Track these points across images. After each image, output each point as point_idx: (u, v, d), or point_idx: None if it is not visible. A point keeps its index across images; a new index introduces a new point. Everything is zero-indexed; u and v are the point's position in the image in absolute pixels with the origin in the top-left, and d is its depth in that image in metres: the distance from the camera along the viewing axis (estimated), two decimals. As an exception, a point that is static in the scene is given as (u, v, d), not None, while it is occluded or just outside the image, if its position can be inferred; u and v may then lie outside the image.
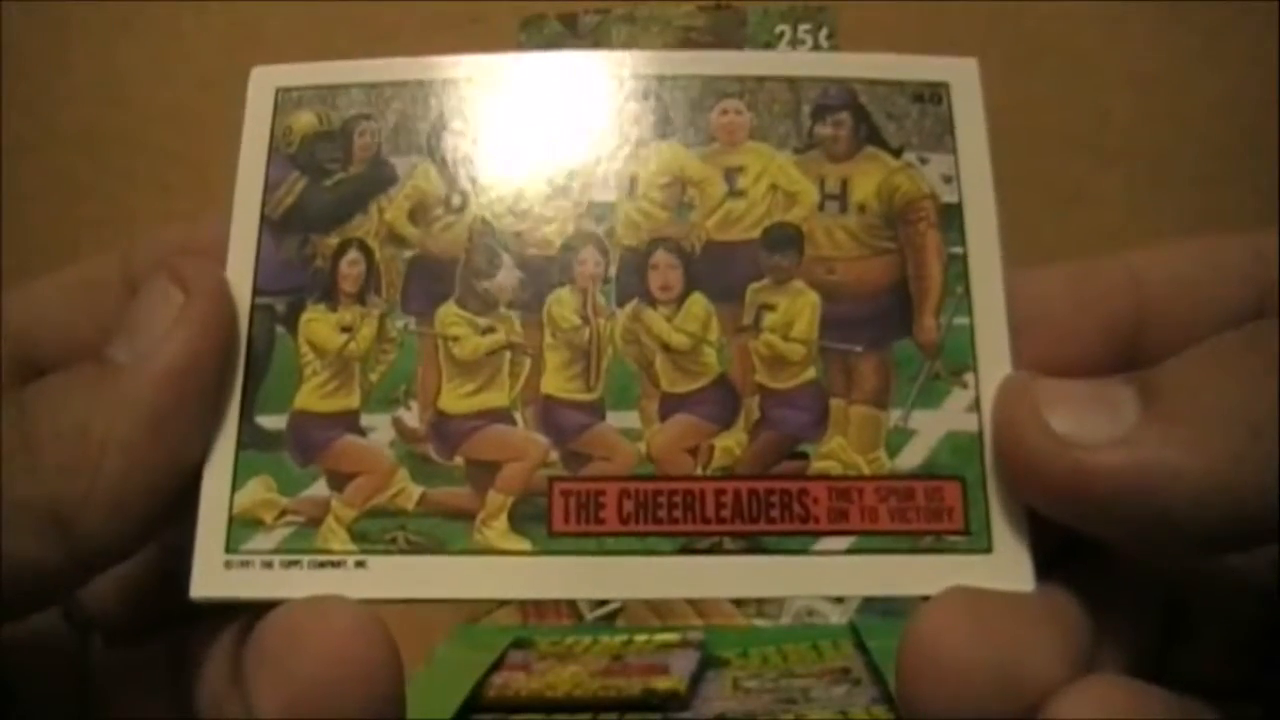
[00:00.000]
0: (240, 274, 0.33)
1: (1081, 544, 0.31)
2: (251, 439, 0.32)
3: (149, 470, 0.30)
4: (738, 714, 0.66)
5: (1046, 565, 0.30)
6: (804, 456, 0.31)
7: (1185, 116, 0.54)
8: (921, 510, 0.31)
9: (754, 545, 0.31)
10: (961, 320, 0.32)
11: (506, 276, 0.33)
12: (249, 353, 0.33)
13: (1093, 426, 0.28)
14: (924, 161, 0.33)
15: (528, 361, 0.32)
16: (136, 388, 0.30)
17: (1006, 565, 0.30)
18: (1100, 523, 0.28)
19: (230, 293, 0.32)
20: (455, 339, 0.33)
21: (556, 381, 0.32)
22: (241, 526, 0.31)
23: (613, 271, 0.33)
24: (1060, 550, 0.31)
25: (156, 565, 0.35)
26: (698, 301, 0.32)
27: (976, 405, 0.31)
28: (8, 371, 0.32)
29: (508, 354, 0.32)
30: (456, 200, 0.34)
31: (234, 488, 0.32)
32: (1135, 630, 0.30)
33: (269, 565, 0.31)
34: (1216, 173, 0.53)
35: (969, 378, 0.32)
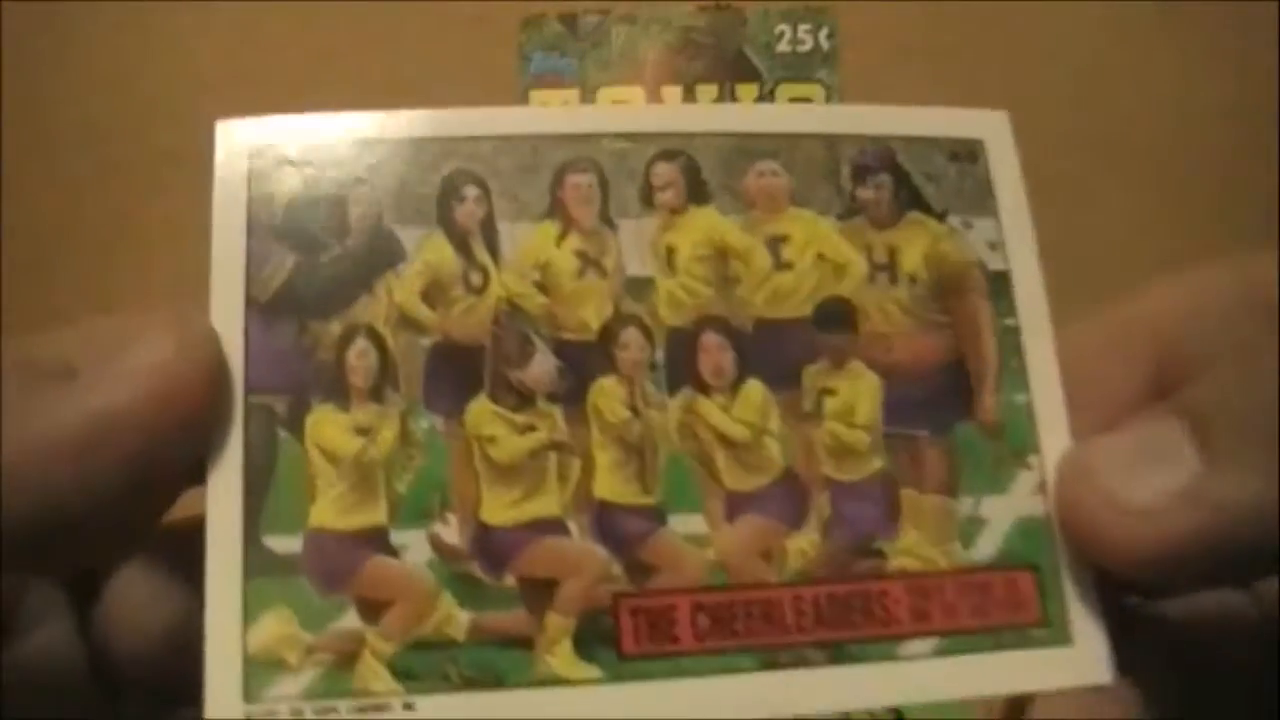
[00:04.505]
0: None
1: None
2: (261, 565, 0.28)
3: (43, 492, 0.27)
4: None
5: None
6: (880, 554, 0.29)
7: (1188, 117, 0.55)
8: (1000, 604, 0.29)
9: (838, 654, 0.29)
10: (1019, 397, 0.31)
11: (541, 365, 0.29)
12: (248, 462, 0.28)
13: (1157, 484, 0.27)
14: (968, 226, 0.32)
15: (576, 462, 0.29)
16: (68, 412, 0.27)
17: (1087, 658, 0.29)
18: (1191, 578, 0.28)
19: (222, 368, 0.28)
20: (491, 439, 0.29)
21: (610, 484, 0.29)
22: (261, 669, 0.27)
23: (659, 356, 0.30)
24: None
25: (195, 626, 0.30)
26: (754, 388, 0.30)
27: (1042, 487, 0.30)
28: None
29: (553, 454, 0.29)
30: (476, 277, 0.30)
31: (246, 624, 0.27)
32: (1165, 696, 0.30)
33: (299, 713, 0.27)
34: (1219, 174, 0.54)
35: (1033, 459, 0.30)
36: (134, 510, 0.28)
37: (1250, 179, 0.53)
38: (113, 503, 0.27)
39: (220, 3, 0.55)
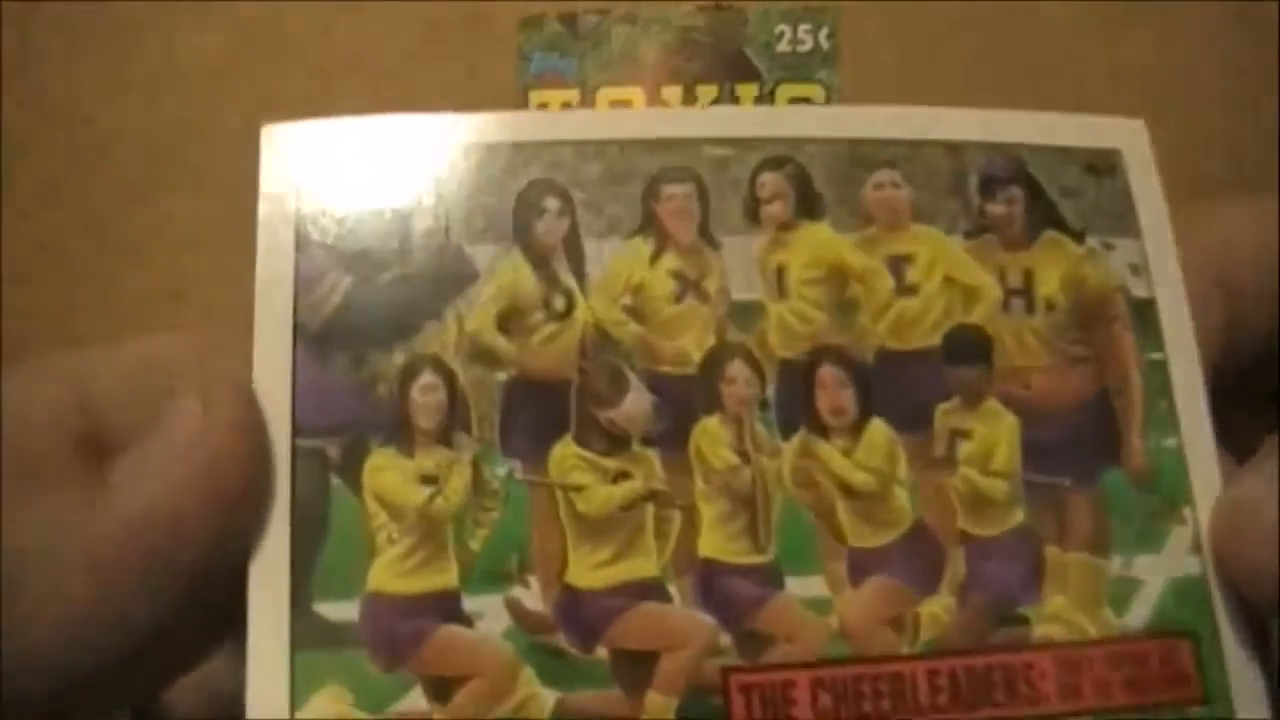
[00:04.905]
0: (273, 406, 0.25)
1: None
2: (311, 635, 0.24)
3: (85, 625, 0.23)
4: None
5: None
6: (1023, 621, 0.26)
7: (1188, 117, 0.52)
8: (1157, 677, 0.26)
9: None
10: (1169, 442, 0.27)
11: (635, 403, 0.26)
12: (296, 515, 0.24)
13: None
14: (1109, 248, 0.28)
15: (677, 515, 0.25)
16: (107, 527, 0.23)
17: None
18: None
19: (258, 425, 0.24)
20: (578, 489, 0.25)
21: (717, 540, 0.25)
22: None
23: (770, 392, 0.26)
24: None
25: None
26: (879, 430, 0.26)
27: (1198, 544, 0.26)
28: (77, 448, 0.25)
29: (650, 506, 0.25)
30: (559, 302, 0.26)
31: (294, 705, 0.23)
32: None
33: None
34: (1219, 174, 0.52)
35: (1187, 512, 0.27)
36: (203, 618, 0.24)
37: (1250, 179, 0.51)
38: (177, 618, 0.24)
39: (220, 3, 0.54)
